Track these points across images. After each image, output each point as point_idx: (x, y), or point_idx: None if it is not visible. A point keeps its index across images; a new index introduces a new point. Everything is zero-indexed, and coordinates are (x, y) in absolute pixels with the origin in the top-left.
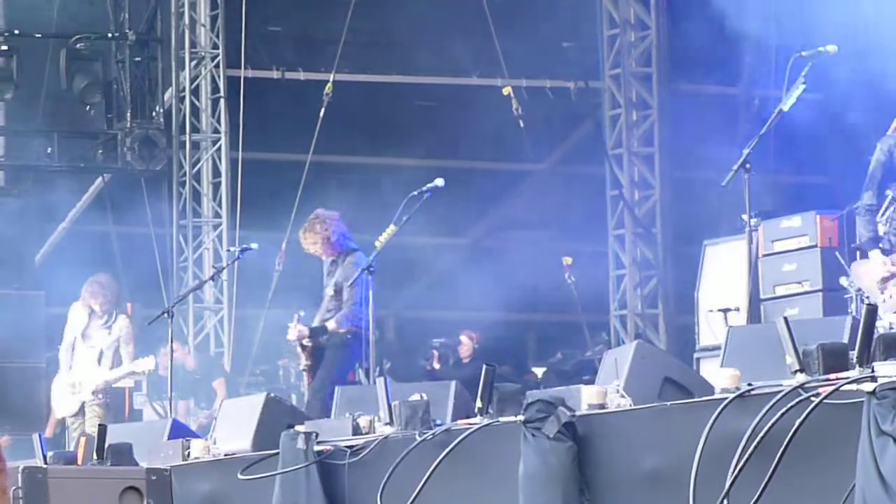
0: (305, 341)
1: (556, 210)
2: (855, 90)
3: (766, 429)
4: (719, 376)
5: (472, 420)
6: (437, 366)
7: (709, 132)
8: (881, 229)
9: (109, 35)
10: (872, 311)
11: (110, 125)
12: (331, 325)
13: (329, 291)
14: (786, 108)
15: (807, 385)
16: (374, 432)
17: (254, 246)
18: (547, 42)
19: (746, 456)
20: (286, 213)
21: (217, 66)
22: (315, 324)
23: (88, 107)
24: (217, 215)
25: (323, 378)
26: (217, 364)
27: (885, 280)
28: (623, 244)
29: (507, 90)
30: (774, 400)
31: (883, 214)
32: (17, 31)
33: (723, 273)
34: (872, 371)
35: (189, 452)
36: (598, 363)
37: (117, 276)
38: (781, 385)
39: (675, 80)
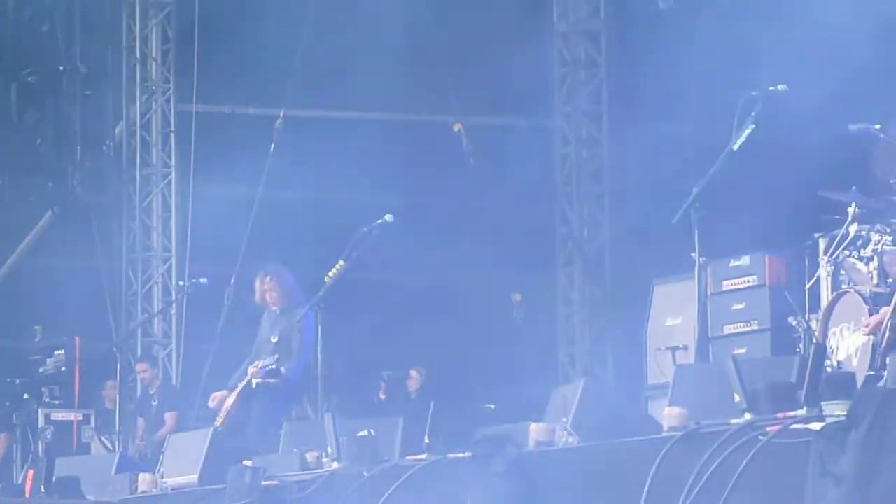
0: (242, 384)
1: (505, 247)
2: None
3: (713, 467)
4: (667, 414)
5: (420, 456)
6: (383, 397)
7: (659, 171)
8: None
9: (61, 68)
10: (820, 350)
11: (60, 158)
12: (283, 371)
13: (273, 339)
14: (735, 147)
15: (755, 423)
16: (322, 468)
17: (203, 280)
18: (498, 79)
19: (694, 494)
20: (236, 249)
21: (168, 100)
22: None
23: (39, 140)
24: (167, 249)
25: (260, 423)
26: (179, 398)
27: None
28: (572, 281)
29: (457, 127)
30: (722, 438)
31: None
32: None
33: (671, 312)
34: (820, 410)
35: (137, 486)
36: (546, 400)
37: (65, 308)
38: (729, 423)
39: (626, 118)
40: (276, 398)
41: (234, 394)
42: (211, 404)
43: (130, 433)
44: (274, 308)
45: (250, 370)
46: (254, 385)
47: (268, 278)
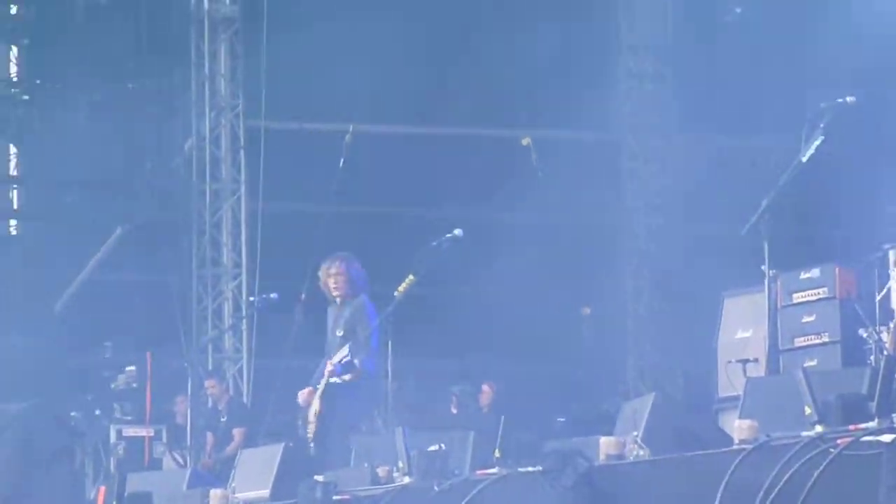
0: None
1: (573, 261)
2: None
3: (784, 479)
4: (738, 427)
5: (490, 470)
6: (454, 411)
7: (727, 183)
8: None
9: (130, 85)
10: (892, 362)
11: (130, 175)
12: (357, 364)
13: (339, 333)
14: (804, 159)
15: (826, 436)
16: (393, 482)
17: (273, 296)
18: (566, 92)
19: None
20: (305, 263)
21: (237, 116)
22: (330, 365)
23: (109, 156)
24: (236, 265)
25: (343, 419)
26: (248, 415)
27: None
28: (641, 295)
29: (525, 140)
30: (793, 451)
31: None
32: (38, 81)
33: (741, 324)
34: (892, 422)
35: (208, 501)
36: (615, 414)
37: (136, 324)
38: (800, 436)
39: (694, 131)
40: (356, 394)
41: (318, 397)
42: (300, 399)
43: (201, 448)
44: (335, 295)
45: (326, 369)
46: (332, 380)
47: (336, 262)
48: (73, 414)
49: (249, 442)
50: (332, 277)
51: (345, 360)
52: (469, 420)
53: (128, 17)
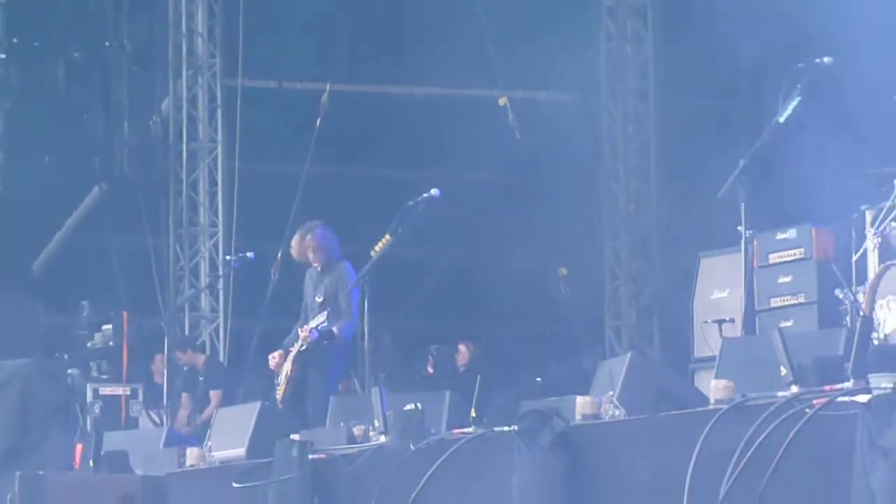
0: (296, 349)
1: (551, 222)
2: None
3: (760, 440)
4: (714, 387)
5: (466, 430)
6: (431, 371)
7: (704, 145)
8: None
9: (107, 44)
10: (867, 323)
11: (108, 135)
12: (335, 331)
13: (318, 299)
14: (781, 119)
15: (801, 396)
16: (369, 441)
17: (250, 255)
18: (544, 53)
19: (740, 467)
20: (282, 223)
21: (214, 75)
22: (306, 329)
23: (86, 116)
24: (213, 224)
25: (319, 386)
26: (226, 376)
27: None
28: (618, 255)
29: (503, 101)
30: (769, 411)
31: None
32: (15, 40)
33: (718, 285)
34: (867, 383)
35: (185, 460)
36: (592, 374)
37: (113, 284)
38: (776, 396)
39: (672, 93)
40: (331, 360)
41: (290, 359)
42: (271, 363)
43: (178, 408)
44: (315, 266)
45: (301, 334)
46: (303, 348)
47: (308, 236)
48: (69, 371)
49: (227, 402)
50: (307, 251)
51: (322, 325)
52: (445, 380)
53: None
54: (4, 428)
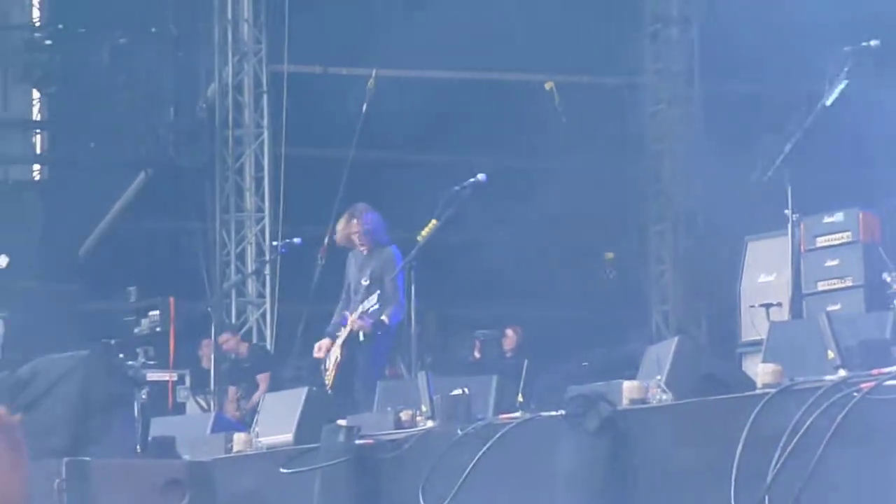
0: (344, 335)
1: (598, 205)
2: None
3: (807, 424)
4: (761, 371)
5: (513, 414)
6: (477, 355)
7: (750, 127)
8: None
9: (153, 30)
10: None
11: (154, 120)
12: (384, 318)
13: (364, 282)
14: (828, 102)
15: (849, 380)
16: (416, 426)
17: (296, 240)
18: (589, 37)
19: (788, 451)
20: (328, 208)
21: (260, 61)
22: (356, 314)
23: (132, 102)
24: (260, 210)
25: (369, 371)
26: (271, 361)
27: None
28: (664, 239)
29: (549, 85)
30: (816, 395)
31: None
32: (60, 26)
33: (765, 268)
34: None
35: (231, 446)
36: (639, 358)
37: (160, 270)
38: (823, 380)
39: (718, 75)
40: (377, 345)
41: (338, 345)
42: (317, 354)
43: (224, 394)
44: (361, 249)
45: (350, 320)
46: (361, 338)
47: (355, 220)
48: (129, 363)
49: (274, 386)
50: (353, 236)
51: (372, 308)
52: (492, 364)
53: None
54: (65, 419)
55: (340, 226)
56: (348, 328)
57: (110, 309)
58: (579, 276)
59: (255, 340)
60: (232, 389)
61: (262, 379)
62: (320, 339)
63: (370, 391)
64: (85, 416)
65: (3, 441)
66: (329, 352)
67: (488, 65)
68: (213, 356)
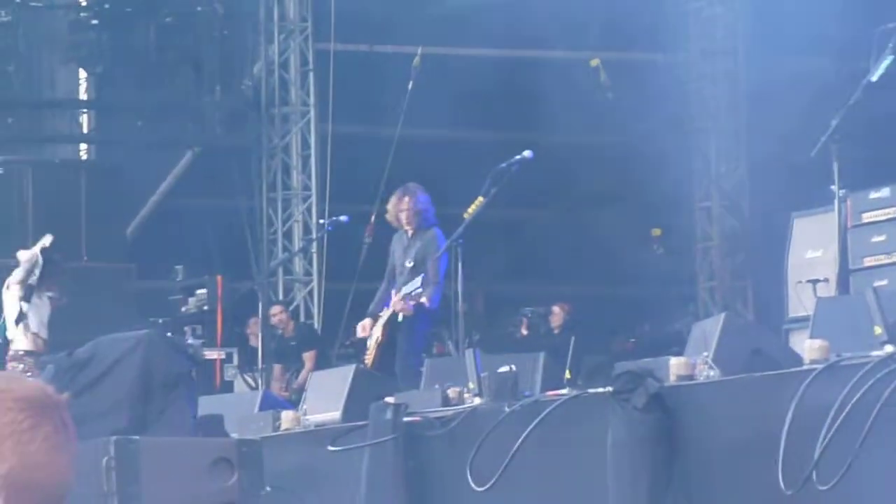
0: (386, 315)
1: (644, 182)
2: None
3: (854, 399)
4: (808, 347)
5: (560, 391)
6: (525, 332)
7: (795, 104)
8: None
9: (199, 8)
10: None
11: (200, 99)
12: (424, 301)
13: (409, 264)
14: (874, 78)
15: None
16: (463, 404)
17: (343, 219)
18: (634, 14)
19: (835, 427)
20: (375, 186)
21: (306, 39)
22: (399, 296)
23: (178, 80)
24: (306, 188)
25: (407, 352)
26: (318, 339)
27: None
28: (710, 216)
29: (594, 62)
30: (864, 370)
31: None
32: (106, 6)
33: (811, 244)
34: None
35: (279, 424)
36: (686, 335)
37: (207, 248)
38: (870, 356)
39: (762, 52)
40: (417, 325)
41: (380, 326)
42: (360, 334)
43: (271, 373)
44: (407, 228)
45: (393, 301)
46: (400, 319)
47: (406, 198)
48: (189, 342)
49: (322, 364)
50: (402, 213)
51: (416, 291)
52: (539, 341)
53: None
54: (126, 400)
55: (391, 204)
56: (390, 309)
57: (158, 288)
58: (626, 252)
59: (302, 319)
60: (278, 368)
61: (309, 357)
62: (365, 318)
63: (407, 373)
64: (146, 397)
65: (48, 422)
66: (369, 331)
67: (533, 42)
68: (260, 334)
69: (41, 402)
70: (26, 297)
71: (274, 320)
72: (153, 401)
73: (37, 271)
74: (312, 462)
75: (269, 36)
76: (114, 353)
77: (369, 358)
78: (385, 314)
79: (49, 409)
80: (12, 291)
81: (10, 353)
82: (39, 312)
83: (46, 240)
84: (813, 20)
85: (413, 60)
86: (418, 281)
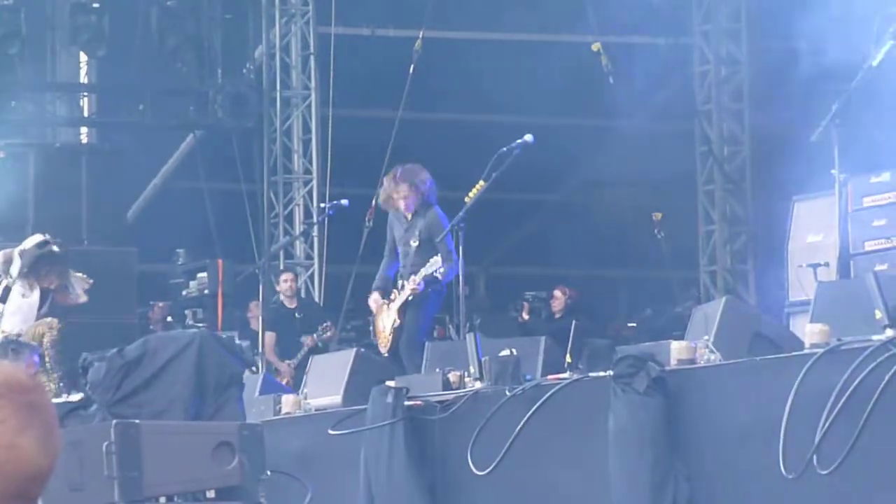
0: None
1: (645, 166)
2: None
3: (855, 383)
4: (809, 331)
5: (561, 375)
6: (526, 317)
7: (798, 88)
8: None
9: None
10: None
11: (201, 82)
12: (438, 275)
13: (414, 243)
14: (875, 63)
15: None
16: (464, 388)
17: (344, 202)
18: None
19: (836, 410)
20: (376, 170)
21: (307, 23)
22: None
23: (180, 64)
24: (307, 171)
25: (416, 331)
26: (320, 311)
27: None
28: (713, 200)
29: (596, 46)
30: (864, 354)
31: None
32: None
33: (812, 229)
34: None
35: (280, 408)
36: (687, 318)
37: (208, 232)
38: (871, 340)
39: (765, 36)
40: (427, 304)
41: (396, 310)
42: (374, 306)
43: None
44: (406, 213)
45: (409, 284)
46: (410, 297)
47: (404, 185)
48: (238, 342)
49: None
50: (398, 197)
51: (438, 270)
52: (540, 326)
53: None
54: (181, 399)
55: (395, 185)
56: (407, 291)
57: (159, 271)
58: (627, 236)
59: None
60: (271, 336)
61: (309, 340)
62: (368, 297)
63: (415, 353)
64: (200, 396)
65: (10, 405)
66: (380, 309)
67: (535, 26)
68: (261, 318)
69: (5, 385)
70: (2, 299)
71: (284, 286)
72: (207, 400)
73: (13, 271)
74: (313, 445)
75: (271, 20)
76: (167, 351)
77: (384, 342)
78: (399, 297)
79: (14, 392)
80: None
81: None
82: (22, 310)
83: (29, 241)
84: (816, 3)
85: (414, 44)
86: (438, 260)
